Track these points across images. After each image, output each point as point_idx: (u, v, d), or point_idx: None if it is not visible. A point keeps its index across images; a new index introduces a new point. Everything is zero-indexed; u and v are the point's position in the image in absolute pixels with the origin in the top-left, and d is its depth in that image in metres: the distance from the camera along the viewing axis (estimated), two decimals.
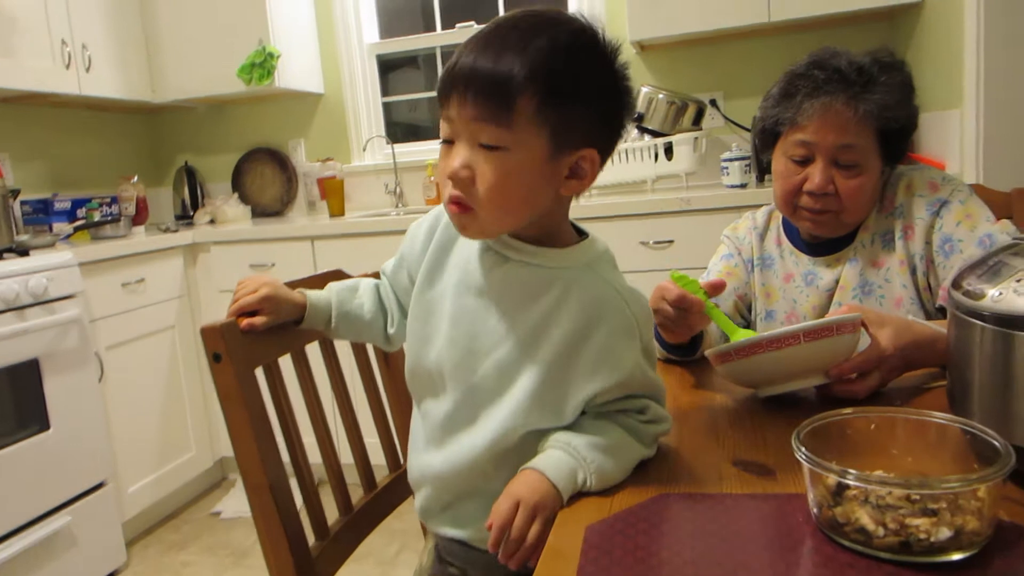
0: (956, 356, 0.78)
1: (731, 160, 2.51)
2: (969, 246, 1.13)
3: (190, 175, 3.43)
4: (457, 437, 0.86)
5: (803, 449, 0.66)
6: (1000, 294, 0.68)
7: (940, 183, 1.19)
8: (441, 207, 0.87)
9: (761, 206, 1.41)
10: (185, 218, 3.38)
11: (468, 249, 0.87)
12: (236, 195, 3.38)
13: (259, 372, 0.97)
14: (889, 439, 0.71)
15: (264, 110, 3.40)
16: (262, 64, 2.91)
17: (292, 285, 0.98)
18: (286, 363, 1.05)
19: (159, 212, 3.52)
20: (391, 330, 1.00)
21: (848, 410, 0.71)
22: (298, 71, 3.12)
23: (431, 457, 0.89)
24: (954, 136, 2.11)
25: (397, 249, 0.97)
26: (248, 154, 3.44)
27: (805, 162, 1.19)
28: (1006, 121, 1.95)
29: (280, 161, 3.39)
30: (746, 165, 2.51)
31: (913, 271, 1.19)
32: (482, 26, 0.79)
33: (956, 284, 0.78)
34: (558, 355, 0.81)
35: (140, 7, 3.05)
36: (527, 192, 0.77)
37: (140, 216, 3.07)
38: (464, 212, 0.78)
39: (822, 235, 1.24)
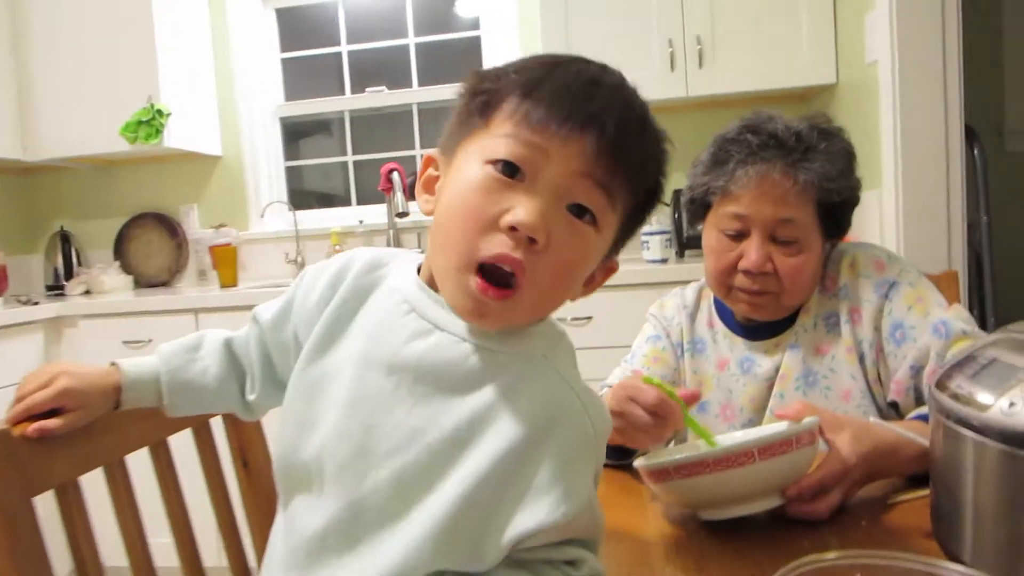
0: (944, 472, 0.62)
1: (651, 234, 2.41)
2: (923, 333, 1.00)
3: (65, 241, 3.10)
4: (326, 565, 0.63)
5: None
6: (1012, 405, 0.53)
7: (886, 262, 1.08)
8: (352, 254, 0.71)
9: (687, 283, 1.27)
10: (56, 288, 3.03)
11: (383, 309, 0.66)
12: (117, 264, 3.06)
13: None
14: None
15: (154, 172, 3.13)
16: (149, 122, 2.66)
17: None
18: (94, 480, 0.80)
19: (27, 282, 3.15)
20: (250, 396, 0.77)
21: (830, 555, 0.53)
22: (192, 131, 2.89)
23: None
24: (873, 217, 2.06)
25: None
26: (134, 219, 3.14)
27: (739, 237, 1.06)
28: (926, 200, 1.91)
29: (169, 227, 3.11)
30: (667, 239, 2.41)
31: (861, 359, 1.06)
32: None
33: (941, 385, 0.63)
34: (490, 472, 0.59)
35: (12, 55, 2.77)
36: (576, 286, 0.64)
37: None
38: (506, 295, 0.57)
39: (759, 318, 1.11)
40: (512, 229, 0.56)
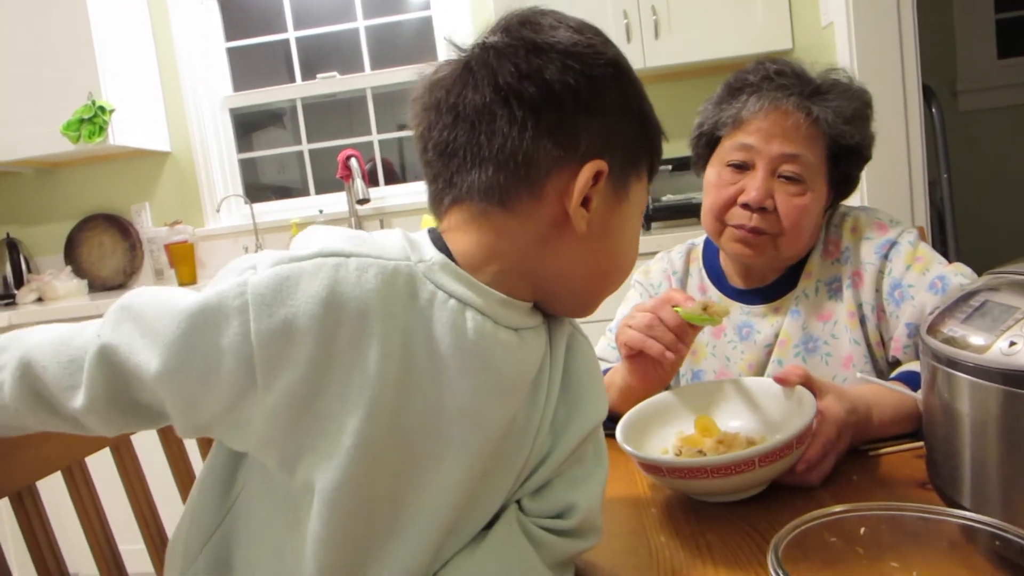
0: (940, 419, 0.61)
1: None
2: (920, 291, 0.98)
3: (12, 248, 2.97)
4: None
5: (783, 574, 0.46)
6: (1013, 345, 0.51)
7: (888, 224, 1.05)
8: (324, 280, 0.51)
9: (654, 255, 1.24)
10: (7, 298, 2.91)
11: (452, 339, 0.55)
12: (69, 268, 2.95)
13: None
14: (887, 546, 0.52)
15: (101, 172, 3.02)
16: (92, 119, 2.55)
17: None
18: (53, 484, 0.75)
19: None
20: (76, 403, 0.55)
21: (837, 508, 0.51)
22: (138, 127, 2.78)
23: None
24: None
25: None
26: (84, 221, 3.02)
27: (742, 169, 1.01)
28: (887, 160, 1.93)
29: (121, 227, 3.00)
30: None
31: (863, 322, 1.03)
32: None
33: (932, 330, 0.61)
34: (549, 409, 0.60)
35: None
36: None
37: None
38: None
39: (753, 264, 1.06)
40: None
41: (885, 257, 1.02)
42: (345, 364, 0.51)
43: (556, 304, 0.61)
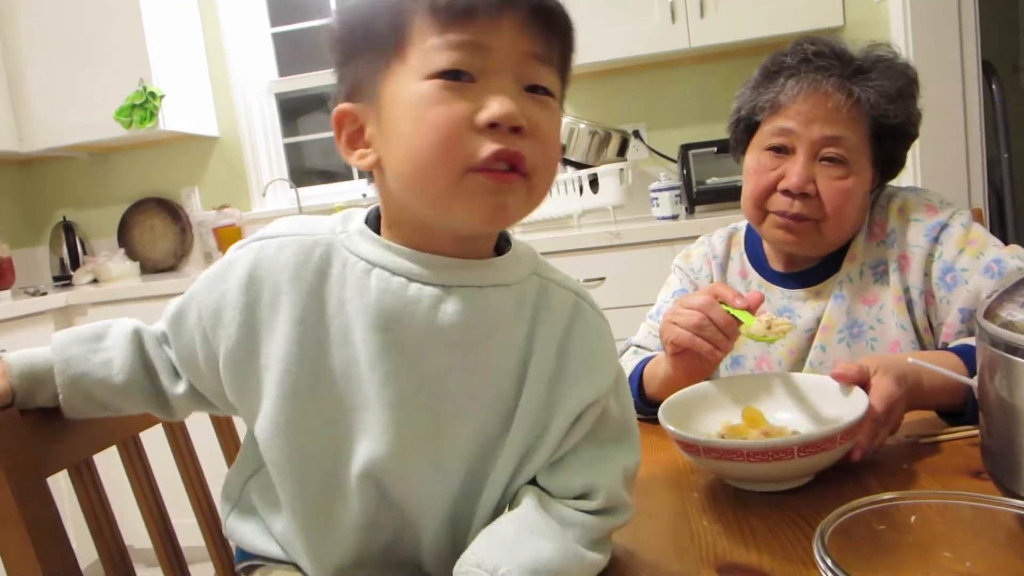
0: (997, 406, 0.59)
1: (661, 190, 2.36)
2: (974, 275, 0.94)
3: (69, 231, 3.07)
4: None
5: (829, 562, 0.45)
6: None
7: (938, 205, 1.01)
8: (249, 253, 0.60)
9: (695, 237, 1.22)
10: (64, 279, 3.01)
11: (359, 301, 0.58)
12: (123, 251, 3.04)
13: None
14: (939, 536, 0.50)
15: (153, 156, 3.09)
16: (143, 105, 2.61)
17: None
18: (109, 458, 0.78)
19: (34, 274, 3.13)
20: (176, 389, 0.66)
21: (887, 495, 0.50)
22: (188, 113, 2.84)
23: None
24: None
25: None
26: (136, 205, 3.11)
27: (782, 153, 0.99)
28: (944, 138, 1.86)
29: (172, 211, 3.08)
30: (676, 195, 2.37)
31: (910, 307, 0.99)
32: None
33: (990, 314, 0.59)
34: (543, 376, 0.61)
35: (0, 46, 2.72)
36: (559, 162, 0.62)
37: (5, 279, 2.69)
38: (513, 180, 0.55)
39: (797, 252, 1.04)
40: (492, 126, 0.53)
41: (935, 240, 0.98)
42: (267, 328, 0.59)
43: (439, 234, 0.59)
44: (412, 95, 0.54)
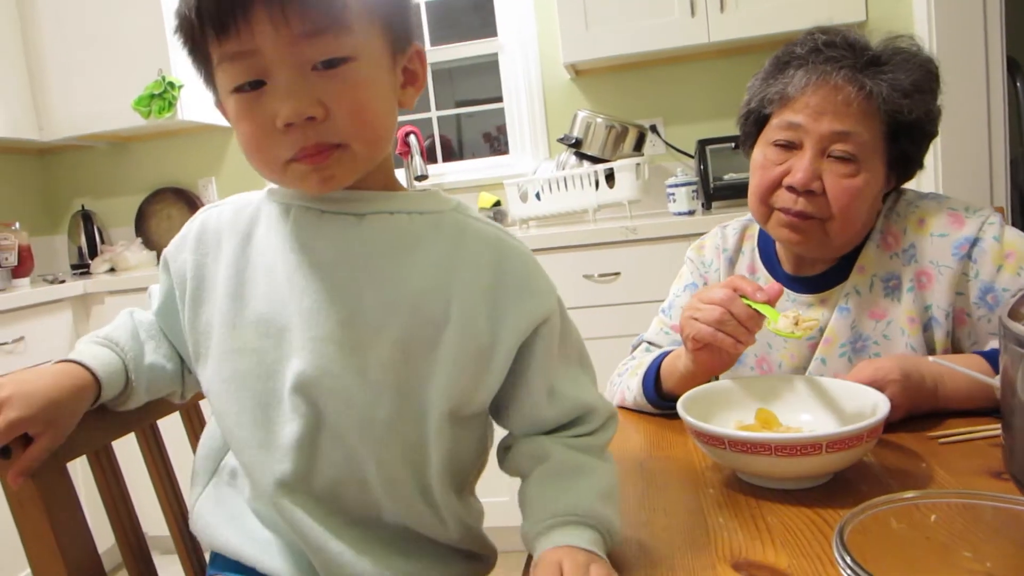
0: (1018, 406, 0.58)
1: (677, 186, 2.35)
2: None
3: (87, 220, 3.09)
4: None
5: (848, 559, 0.45)
6: None
7: (964, 215, 0.95)
8: (199, 217, 0.72)
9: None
10: (82, 267, 3.04)
11: (279, 234, 0.66)
12: (139, 240, 3.06)
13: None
14: (959, 536, 0.50)
15: (170, 146, 3.11)
16: (162, 95, 2.63)
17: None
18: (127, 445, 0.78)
19: (52, 262, 3.17)
20: (204, 369, 0.70)
21: (907, 494, 0.50)
22: (206, 103, 2.83)
23: None
24: None
25: None
26: (153, 195, 3.13)
27: (789, 148, 0.96)
28: (966, 136, 1.84)
29: (188, 201, 3.10)
30: (693, 191, 2.35)
31: (927, 328, 0.95)
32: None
33: (1014, 314, 0.59)
34: (477, 295, 0.65)
35: (21, 36, 2.74)
36: (387, 107, 0.63)
37: (24, 267, 2.71)
38: (327, 155, 0.59)
39: (803, 252, 1.01)
40: (289, 126, 0.58)
41: (967, 257, 0.93)
42: (211, 277, 0.68)
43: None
44: (228, 107, 0.62)
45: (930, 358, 0.79)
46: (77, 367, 0.66)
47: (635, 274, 2.12)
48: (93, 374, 0.66)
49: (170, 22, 2.64)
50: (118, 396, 0.70)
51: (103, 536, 0.75)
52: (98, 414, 0.70)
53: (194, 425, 0.88)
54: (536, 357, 0.67)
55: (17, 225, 2.77)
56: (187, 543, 0.82)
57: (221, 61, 0.58)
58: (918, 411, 0.85)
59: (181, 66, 2.70)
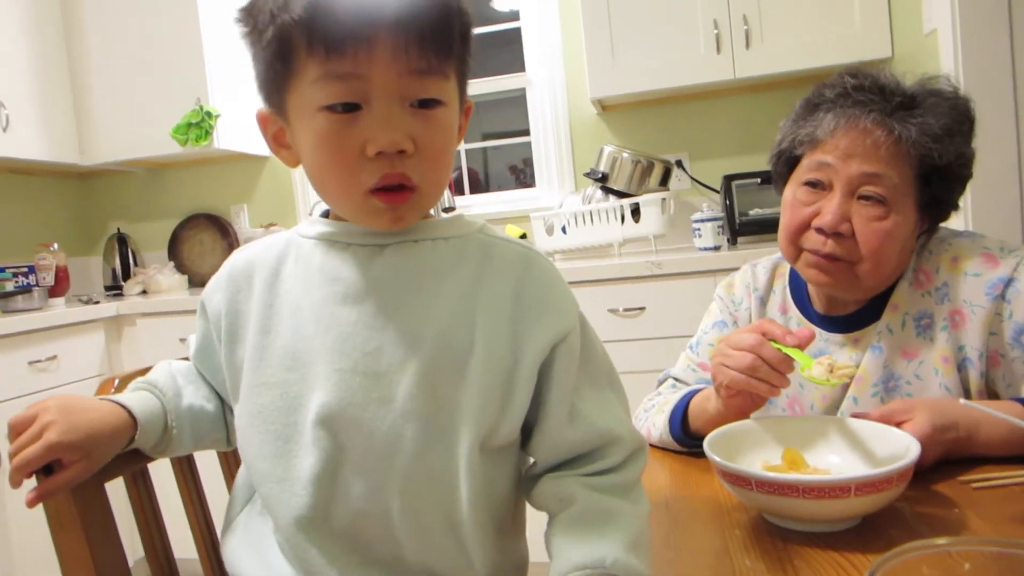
0: None
1: (703, 221, 2.36)
2: None
3: (122, 243, 3.17)
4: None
5: None
6: None
7: (999, 255, 0.94)
8: (232, 258, 0.73)
9: (737, 268, 1.20)
10: (115, 289, 3.11)
11: (305, 268, 0.68)
12: (172, 264, 3.12)
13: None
14: None
15: (204, 173, 3.19)
16: (199, 124, 2.70)
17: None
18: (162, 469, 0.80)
19: (88, 282, 3.24)
20: (236, 406, 0.71)
21: (939, 540, 0.49)
22: (241, 132, 2.92)
23: None
24: None
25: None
26: (187, 220, 3.20)
27: (818, 189, 0.96)
28: (996, 177, 1.83)
29: (221, 227, 3.16)
30: (719, 226, 2.36)
31: (961, 368, 0.94)
32: None
33: None
34: (500, 319, 0.65)
35: (67, 63, 2.84)
36: (453, 155, 0.66)
37: (60, 287, 2.79)
38: (406, 197, 0.61)
39: (833, 293, 1.01)
40: (379, 154, 0.59)
41: (1002, 297, 0.92)
42: (244, 313, 0.68)
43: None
44: (310, 124, 0.60)
45: (962, 401, 0.79)
46: (117, 406, 0.67)
47: (660, 309, 2.12)
48: (131, 415, 0.67)
49: (210, 53, 2.76)
50: (159, 441, 0.70)
51: (128, 552, 0.76)
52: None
53: (227, 454, 0.90)
54: (556, 375, 0.65)
55: (55, 246, 2.84)
56: (215, 569, 0.84)
57: (321, 78, 0.58)
58: (951, 456, 0.84)
59: (219, 95, 2.79)
